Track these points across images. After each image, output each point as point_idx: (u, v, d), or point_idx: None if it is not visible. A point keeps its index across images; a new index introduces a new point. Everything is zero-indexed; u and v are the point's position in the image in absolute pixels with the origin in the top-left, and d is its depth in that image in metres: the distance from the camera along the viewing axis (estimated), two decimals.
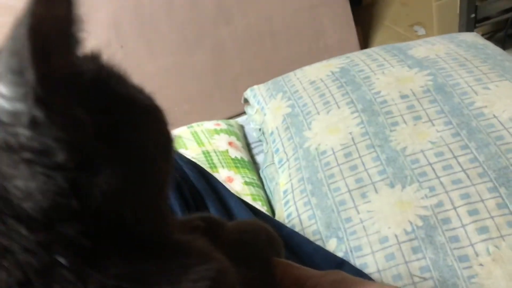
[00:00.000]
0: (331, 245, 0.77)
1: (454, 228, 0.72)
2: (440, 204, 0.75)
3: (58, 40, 0.21)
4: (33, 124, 0.20)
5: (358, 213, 0.79)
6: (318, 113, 0.98)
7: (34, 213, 0.21)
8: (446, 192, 0.76)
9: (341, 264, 0.67)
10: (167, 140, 0.28)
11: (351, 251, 0.75)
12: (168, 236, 0.26)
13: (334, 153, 0.88)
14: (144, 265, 0.23)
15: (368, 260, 0.73)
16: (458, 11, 1.59)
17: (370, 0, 2.02)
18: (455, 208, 0.74)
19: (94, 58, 0.25)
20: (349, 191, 0.82)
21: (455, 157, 0.81)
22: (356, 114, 0.93)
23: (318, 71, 1.09)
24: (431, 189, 0.78)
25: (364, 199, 0.80)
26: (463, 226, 0.72)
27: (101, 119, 0.22)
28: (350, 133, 0.90)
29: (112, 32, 1.45)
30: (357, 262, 0.74)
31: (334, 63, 1.10)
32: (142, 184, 0.24)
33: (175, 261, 0.24)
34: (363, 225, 0.77)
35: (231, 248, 0.31)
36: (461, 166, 0.79)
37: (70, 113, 0.21)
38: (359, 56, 1.10)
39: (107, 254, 0.22)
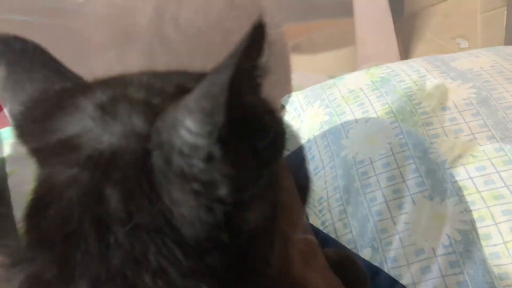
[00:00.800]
0: (366, 255, 0.76)
1: (495, 245, 0.70)
2: (480, 219, 0.74)
3: (246, 87, 0.23)
4: (209, 158, 0.21)
5: (394, 224, 0.78)
6: (357, 122, 0.97)
7: (191, 241, 0.22)
8: (487, 207, 0.74)
9: (376, 272, 0.66)
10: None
11: (385, 262, 0.74)
12: (288, 271, 0.27)
13: (371, 162, 0.88)
14: None
15: (402, 272, 0.72)
16: (504, 24, 1.55)
17: (412, 11, 1.99)
18: (496, 224, 0.72)
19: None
20: (386, 201, 0.81)
21: (497, 172, 0.78)
22: (395, 125, 0.92)
23: (358, 79, 1.09)
24: (471, 203, 0.76)
25: (401, 210, 0.79)
26: (504, 243, 0.70)
27: (259, 156, 0.24)
28: (389, 143, 0.89)
29: (155, 35, 1.49)
30: (391, 273, 0.73)
31: (375, 73, 1.09)
32: (277, 218, 0.26)
33: None
34: (399, 236, 0.76)
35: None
36: (504, 182, 0.77)
37: (241, 152, 0.23)
38: (401, 66, 1.09)
39: (241, 285, 0.23)
